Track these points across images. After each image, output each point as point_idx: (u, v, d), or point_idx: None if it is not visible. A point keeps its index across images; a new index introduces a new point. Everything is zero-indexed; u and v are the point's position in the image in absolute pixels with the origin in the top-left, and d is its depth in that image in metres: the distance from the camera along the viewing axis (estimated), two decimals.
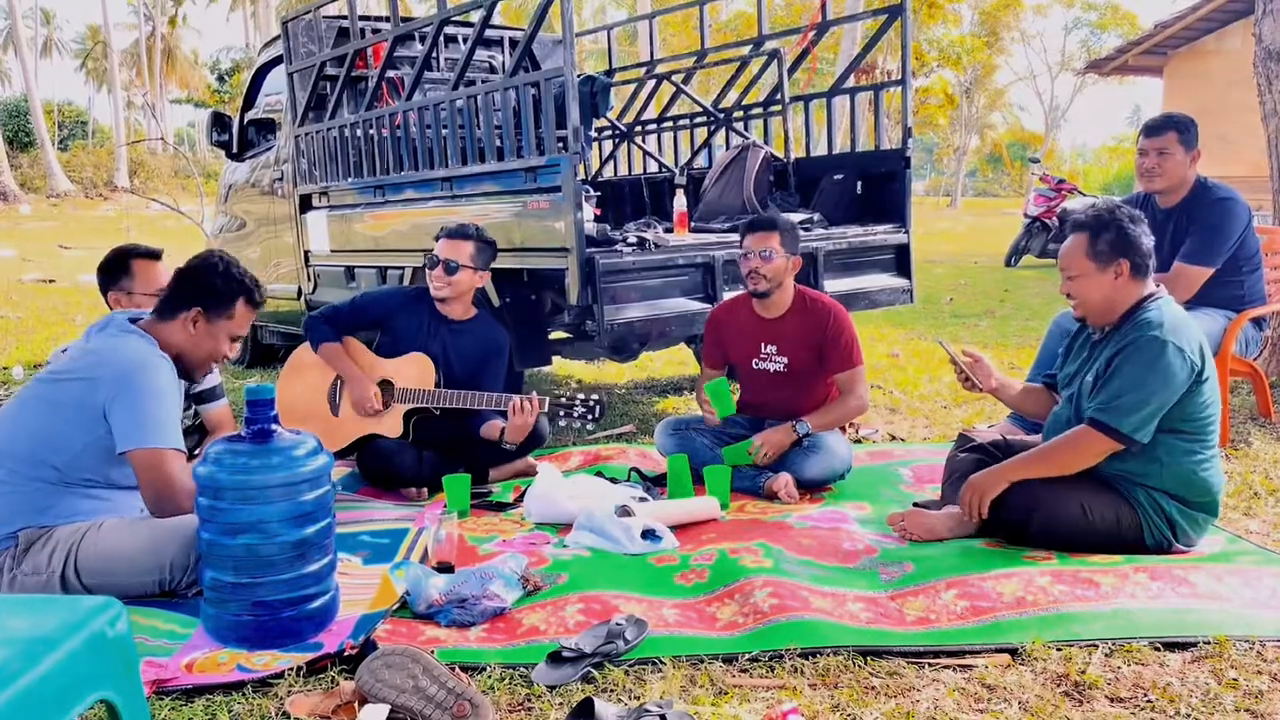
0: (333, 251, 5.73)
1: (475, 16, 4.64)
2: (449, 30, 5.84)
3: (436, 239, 3.92)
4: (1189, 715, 2.02)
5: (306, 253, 6.00)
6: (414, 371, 3.79)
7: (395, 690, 2.04)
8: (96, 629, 1.26)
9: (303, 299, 6.09)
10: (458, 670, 2.12)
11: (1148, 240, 2.81)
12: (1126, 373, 2.70)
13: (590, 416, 3.64)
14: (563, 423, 3.67)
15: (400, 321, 3.90)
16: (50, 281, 11.95)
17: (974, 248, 16.99)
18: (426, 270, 3.91)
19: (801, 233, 4.87)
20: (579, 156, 4.00)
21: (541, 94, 4.15)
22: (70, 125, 52.09)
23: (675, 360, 6.49)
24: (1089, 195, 13.60)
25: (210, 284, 2.80)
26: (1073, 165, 51.47)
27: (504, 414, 3.74)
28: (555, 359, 5.31)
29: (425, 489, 3.71)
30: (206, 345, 2.81)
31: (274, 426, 2.46)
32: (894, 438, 4.49)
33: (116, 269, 3.51)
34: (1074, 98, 50.92)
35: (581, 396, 3.66)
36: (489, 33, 6.36)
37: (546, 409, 3.66)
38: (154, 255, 3.54)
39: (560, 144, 4.07)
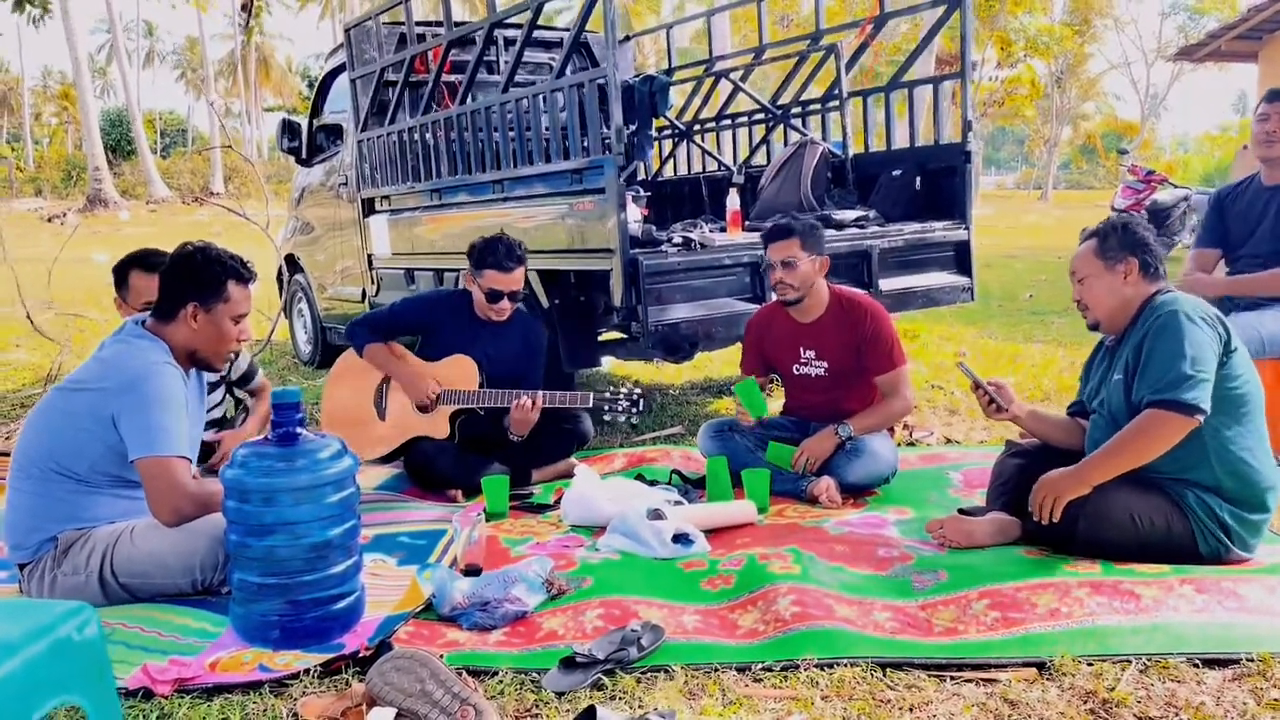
0: (394, 254, 5.83)
1: (525, 19, 4.65)
2: (509, 34, 5.89)
3: (481, 266, 3.82)
4: None
5: (370, 256, 6.11)
6: (458, 373, 3.82)
7: (402, 694, 2.05)
8: (62, 635, 1.28)
9: (367, 301, 6.20)
10: (465, 675, 2.13)
11: (1157, 243, 2.78)
12: (1161, 351, 2.61)
13: (635, 409, 3.65)
14: (607, 417, 3.67)
15: (441, 326, 3.94)
16: None
17: (1061, 242, 16.48)
18: (486, 303, 3.85)
19: (856, 230, 4.81)
20: (622, 157, 3.99)
21: (586, 95, 4.16)
22: (171, 134, 54.12)
23: (734, 360, 6.40)
24: (1181, 187, 13.07)
25: (195, 275, 2.79)
26: (1173, 155, 49.68)
27: (550, 413, 3.76)
28: (612, 360, 5.31)
29: (464, 490, 3.73)
30: (213, 335, 2.81)
31: (299, 430, 2.50)
32: (950, 440, 4.38)
33: (118, 278, 3.61)
34: (1170, 86, 49.03)
35: (625, 390, 3.66)
36: (549, 34, 6.41)
37: (591, 404, 3.67)
38: (151, 266, 3.51)
39: (604, 145, 4.06)
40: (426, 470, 3.77)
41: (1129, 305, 2.77)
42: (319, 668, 2.29)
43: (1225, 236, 4.00)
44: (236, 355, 2.98)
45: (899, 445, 4.10)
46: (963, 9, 4.85)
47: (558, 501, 3.59)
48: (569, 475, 3.90)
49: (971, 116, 4.99)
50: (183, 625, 2.55)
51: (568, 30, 6.74)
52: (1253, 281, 3.76)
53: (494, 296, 3.82)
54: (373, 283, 6.14)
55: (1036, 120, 36.59)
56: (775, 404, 4.10)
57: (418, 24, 5.63)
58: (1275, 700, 2.02)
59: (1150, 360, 2.63)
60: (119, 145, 35.90)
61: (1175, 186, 12.97)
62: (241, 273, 2.85)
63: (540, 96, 4.43)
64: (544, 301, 4.55)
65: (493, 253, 3.79)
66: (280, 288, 7.71)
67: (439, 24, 6.16)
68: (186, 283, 2.80)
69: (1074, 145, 49.59)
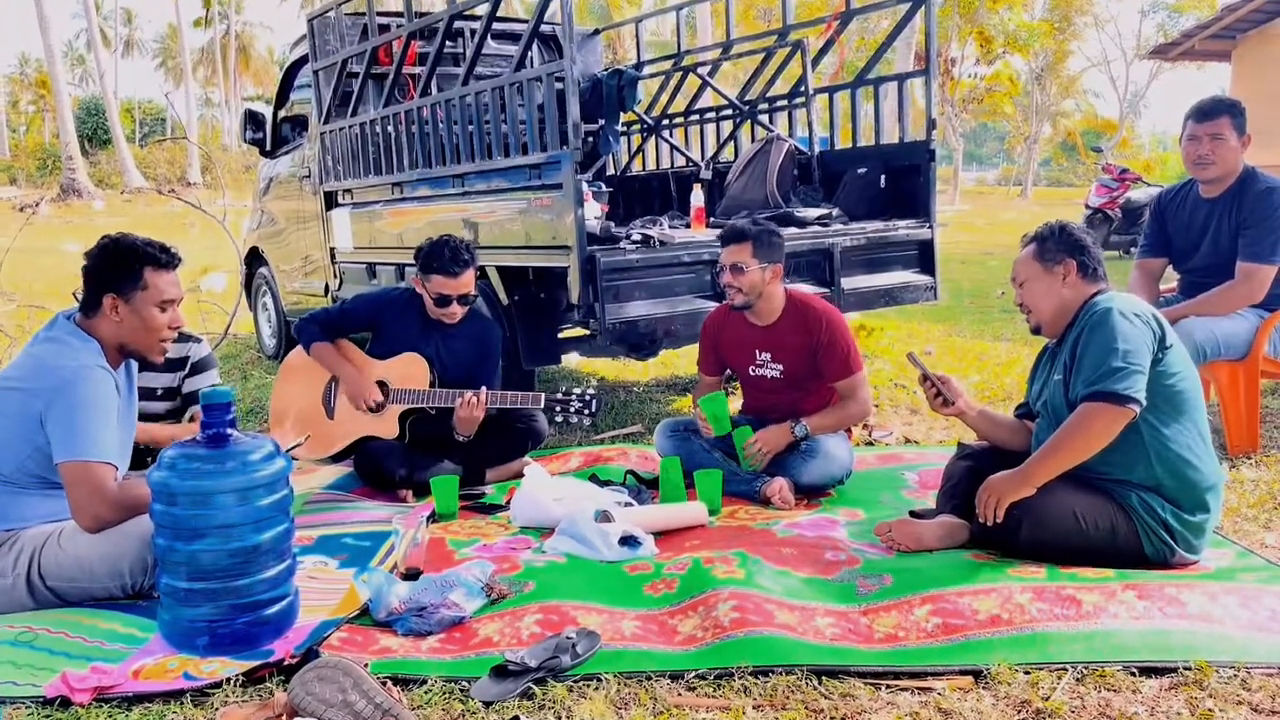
0: (356, 248, 5.75)
1: (484, 11, 4.58)
2: (474, 25, 5.82)
3: (428, 271, 3.73)
4: None
5: (332, 249, 6.03)
6: (409, 372, 3.76)
7: (324, 704, 2.00)
8: None
9: (329, 295, 6.13)
10: (389, 685, 2.08)
11: (1096, 246, 2.81)
12: (1094, 346, 2.61)
13: (587, 411, 3.60)
14: (559, 418, 3.62)
15: (392, 324, 3.87)
16: None
17: None
18: (435, 307, 3.77)
19: (819, 228, 4.77)
20: (579, 152, 3.94)
21: (545, 89, 4.10)
22: (150, 122, 53.56)
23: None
24: (1154, 185, 13.12)
25: (109, 266, 2.72)
26: (1152, 153, 49.87)
27: (503, 411, 3.70)
28: (578, 356, 5.25)
29: (414, 490, 3.67)
30: (138, 325, 2.74)
31: (230, 431, 2.44)
32: (909, 440, 4.35)
33: None
34: (1149, 84, 49.24)
35: (578, 392, 3.62)
36: (516, 27, 6.33)
37: (543, 405, 3.62)
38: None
39: (562, 139, 4.01)
40: (375, 470, 3.71)
41: (1068, 307, 2.77)
42: (243, 676, 2.23)
43: (1168, 245, 3.99)
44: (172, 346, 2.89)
45: (857, 445, 4.08)
46: (927, 6, 4.82)
47: (509, 502, 3.54)
48: (522, 475, 3.85)
49: (936, 114, 4.96)
50: (109, 630, 2.49)
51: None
52: (1200, 305, 3.74)
53: (442, 301, 3.75)
54: (335, 276, 6.07)
55: (1017, 117, 36.67)
56: (734, 403, 4.06)
57: (381, 14, 5.56)
58: (1209, 711, 2.00)
59: (1084, 356, 2.63)
60: (94, 134, 35.46)
61: (1149, 185, 13.01)
62: (159, 258, 2.77)
63: (499, 90, 4.37)
64: (503, 298, 4.49)
65: (438, 257, 3.70)
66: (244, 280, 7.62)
67: (400, 15, 6.10)
68: (102, 274, 2.74)
69: (1054, 142, 49.65)
